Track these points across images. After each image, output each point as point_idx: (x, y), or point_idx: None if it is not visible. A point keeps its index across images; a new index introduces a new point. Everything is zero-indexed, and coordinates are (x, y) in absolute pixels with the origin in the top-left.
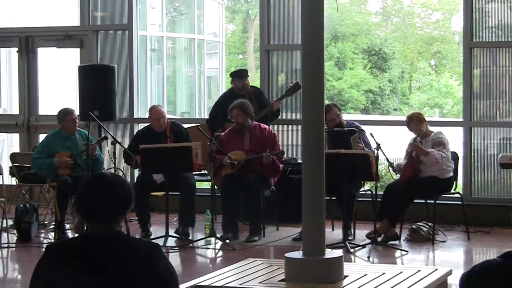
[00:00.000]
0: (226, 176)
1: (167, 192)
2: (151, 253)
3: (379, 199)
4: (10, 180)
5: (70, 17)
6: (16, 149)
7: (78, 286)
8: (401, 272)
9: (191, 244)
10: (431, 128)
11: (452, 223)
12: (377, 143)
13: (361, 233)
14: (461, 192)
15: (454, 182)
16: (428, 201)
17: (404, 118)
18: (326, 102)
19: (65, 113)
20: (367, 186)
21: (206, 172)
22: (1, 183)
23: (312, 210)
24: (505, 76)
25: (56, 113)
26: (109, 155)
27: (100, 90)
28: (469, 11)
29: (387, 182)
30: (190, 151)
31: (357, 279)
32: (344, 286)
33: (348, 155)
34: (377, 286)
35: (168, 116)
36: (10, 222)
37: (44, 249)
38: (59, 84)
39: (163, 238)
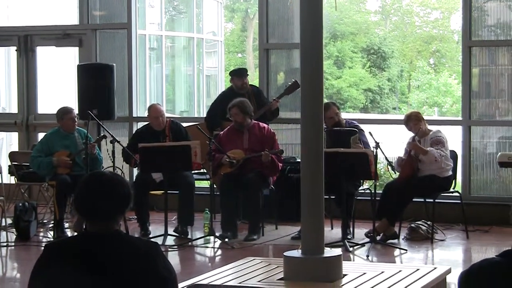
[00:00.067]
0: (225, 175)
1: (166, 191)
2: (150, 252)
3: (378, 198)
4: (9, 179)
5: (69, 16)
6: (15, 148)
7: (77, 284)
8: (400, 271)
9: (190, 243)
10: (429, 127)
11: (451, 222)
12: (376, 142)
13: (360, 232)
14: (460, 191)
15: (453, 181)
16: (427, 200)
17: (403, 117)
18: (325, 100)
19: (64, 112)
20: (366, 185)
21: (205, 171)
22: (0, 182)
23: (311, 209)
24: (504, 74)
25: (55, 112)
26: (108, 154)
27: (99, 89)
28: (468, 10)
29: (386, 181)
30: (189, 150)
31: (356, 278)
32: (343, 285)
33: (347, 154)
34: (376, 285)
35: (167, 115)
36: (9, 221)
37: (43, 248)
38: (58, 83)
39: (162, 237)
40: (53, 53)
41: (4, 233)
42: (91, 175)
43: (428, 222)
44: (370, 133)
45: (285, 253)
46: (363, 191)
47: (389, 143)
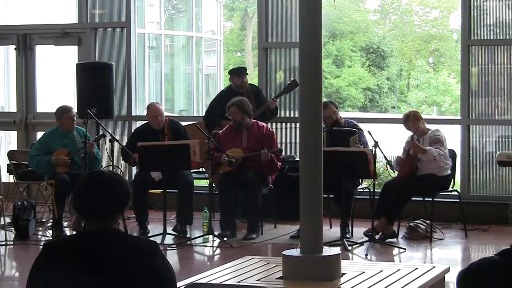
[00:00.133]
0: (224, 173)
1: (165, 190)
2: (148, 251)
3: (377, 197)
4: (7, 178)
5: (68, 15)
6: (14, 147)
7: (75, 283)
8: (399, 269)
9: (188, 242)
10: (428, 126)
11: (450, 221)
12: (375, 141)
13: (358, 231)
14: (458, 190)
15: (452, 180)
16: (426, 199)
17: (402, 116)
18: (324, 99)
19: (63, 111)
20: (365, 184)
21: (204, 169)
22: None
23: (310, 208)
24: (503, 74)
25: (54, 111)
26: (107, 153)
27: (98, 87)
28: (467, 9)
29: (384, 180)
30: (188, 149)
31: (354, 277)
32: (342, 284)
33: (346, 153)
34: (374, 284)
35: (166, 113)
36: (8, 220)
37: (41, 247)
38: (57, 82)
39: (161, 236)
40: (52, 52)
41: (3, 232)
42: (90, 174)
43: (427, 221)
44: (369, 132)
45: (284, 252)
46: (362, 190)
47: (388, 142)
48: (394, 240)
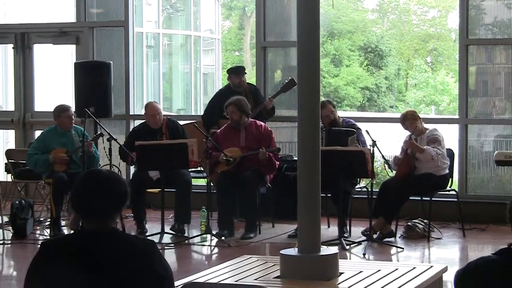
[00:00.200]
0: (222, 173)
1: (163, 189)
2: (146, 250)
3: (374, 196)
4: (5, 177)
5: (66, 14)
6: (12, 146)
7: (73, 282)
8: (397, 269)
9: (186, 241)
10: (426, 126)
11: (448, 220)
12: (372, 140)
13: (356, 230)
14: (456, 189)
15: (450, 179)
16: (423, 198)
17: (399, 116)
18: (322, 98)
19: (61, 110)
20: (363, 183)
21: (202, 169)
22: None
23: (308, 207)
24: (501, 73)
25: (51, 110)
26: (105, 152)
27: (96, 86)
28: (465, 9)
29: (382, 179)
30: (186, 148)
31: (352, 276)
32: (339, 283)
33: (344, 152)
34: (372, 283)
35: (164, 113)
36: (6, 219)
37: (39, 246)
38: (55, 81)
39: (158, 235)
40: (50, 51)
41: (0, 231)
42: (88, 173)
43: (425, 221)
44: (367, 131)
45: (281, 251)
46: (360, 189)
47: (386, 141)
48: (392, 239)
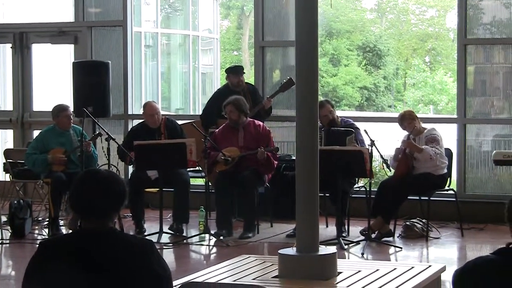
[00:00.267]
0: (220, 172)
1: (161, 189)
2: (144, 250)
3: (373, 196)
4: (4, 176)
5: (64, 13)
6: (10, 145)
7: (71, 282)
8: (395, 268)
9: (185, 241)
10: (424, 125)
11: (446, 220)
12: (371, 139)
13: (355, 230)
14: (455, 189)
15: (448, 179)
16: (422, 198)
17: (397, 115)
18: (320, 98)
19: (60, 109)
20: (361, 182)
21: (200, 168)
22: None
23: (306, 207)
24: (499, 73)
25: (50, 109)
26: (103, 152)
27: (94, 86)
28: (464, 8)
29: (381, 178)
30: (184, 148)
31: (350, 276)
32: (338, 283)
33: (342, 151)
34: (370, 283)
35: (162, 112)
36: (4, 219)
37: (37, 246)
38: (53, 80)
39: (157, 235)
40: (49, 50)
41: None
42: (86, 173)
43: (423, 220)
44: (365, 131)
45: (279, 251)
46: (358, 189)
47: (385, 141)
48: (390, 239)
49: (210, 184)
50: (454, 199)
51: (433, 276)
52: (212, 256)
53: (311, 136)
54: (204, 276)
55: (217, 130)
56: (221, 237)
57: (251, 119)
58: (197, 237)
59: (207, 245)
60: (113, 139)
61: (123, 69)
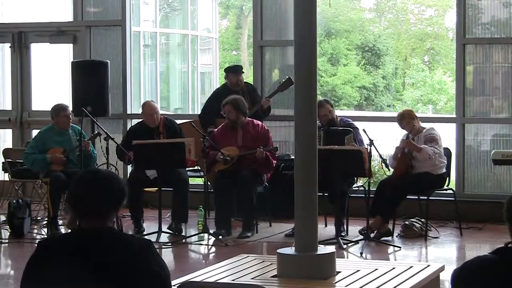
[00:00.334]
0: (219, 172)
1: (160, 188)
2: (143, 250)
3: (372, 195)
4: (2, 176)
5: (63, 13)
6: (9, 145)
7: (70, 281)
8: (394, 268)
9: (184, 240)
10: (423, 125)
11: (445, 219)
12: (370, 139)
13: (354, 229)
14: (454, 188)
15: (447, 178)
16: (421, 197)
17: (396, 115)
18: (319, 98)
19: (59, 109)
20: (360, 182)
21: (199, 168)
22: None
23: (305, 206)
24: (498, 72)
25: (49, 109)
26: (102, 151)
27: (93, 86)
28: (463, 8)
29: (380, 178)
30: (183, 147)
31: (349, 275)
32: (337, 282)
33: (341, 151)
34: (369, 282)
35: (161, 112)
36: (3, 218)
37: (36, 245)
38: (52, 80)
39: (156, 234)
40: (47, 50)
41: None
42: (85, 172)
43: (422, 220)
44: (364, 130)
45: (278, 250)
46: (357, 188)
47: (384, 140)
48: (389, 238)
49: (209, 183)
50: (453, 199)
51: (432, 275)
52: (211, 256)
53: (310, 136)
54: (203, 276)
55: (216, 129)
56: (220, 237)
57: (250, 119)
58: (196, 236)
59: (206, 244)
60: (112, 139)
61: (122, 69)
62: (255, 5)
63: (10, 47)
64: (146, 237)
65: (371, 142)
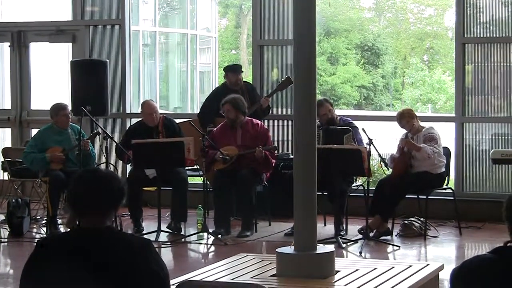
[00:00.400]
0: (218, 171)
1: (159, 187)
2: (142, 249)
3: (371, 195)
4: (2, 175)
5: (63, 12)
6: (8, 144)
7: (69, 281)
8: (393, 267)
9: (183, 239)
10: (422, 124)
11: (444, 219)
12: (369, 138)
13: (353, 229)
14: (453, 188)
15: (446, 178)
16: (420, 196)
17: (396, 114)
18: (319, 97)
19: (58, 108)
20: (359, 181)
21: (198, 167)
22: None
23: (304, 206)
24: (497, 71)
25: (48, 108)
26: (101, 150)
27: (93, 85)
28: (462, 7)
29: (379, 177)
30: (182, 146)
31: (348, 274)
32: (336, 281)
33: (340, 150)
34: (368, 281)
35: (160, 111)
36: (2, 217)
37: (35, 244)
38: (52, 79)
39: (155, 233)
40: (47, 49)
41: None
42: (84, 171)
43: (421, 219)
44: (363, 129)
45: (278, 250)
46: (356, 187)
47: (383, 139)
48: (389, 237)
49: (208, 182)
50: (452, 198)
51: (431, 274)
52: (210, 255)
53: (309, 135)
54: (202, 275)
55: (215, 128)
56: (219, 236)
57: (249, 118)
58: (195, 235)
59: (205, 243)
60: (111, 138)
61: (121, 68)
62: (254, 4)
63: (9, 46)
64: (145, 236)
65: (370, 142)
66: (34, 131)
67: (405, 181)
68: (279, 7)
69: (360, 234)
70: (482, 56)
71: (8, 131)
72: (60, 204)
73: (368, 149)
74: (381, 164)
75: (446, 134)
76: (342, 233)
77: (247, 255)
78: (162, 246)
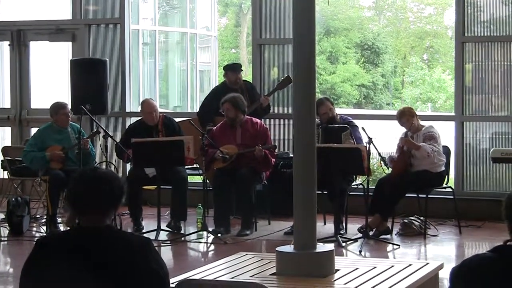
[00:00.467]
0: (218, 170)
1: (159, 186)
2: (142, 248)
3: (371, 193)
4: (2, 174)
5: (62, 11)
6: (8, 143)
7: (68, 279)
8: (392, 266)
9: (183, 238)
10: (422, 123)
11: (444, 217)
12: (369, 137)
13: (353, 227)
14: (453, 186)
15: (446, 176)
16: (420, 195)
17: (396, 113)
18: (319, 96)
19: (58, 107)
20: (359, 180)
21: (198, 166)
22: None
23: (304, 204)
24: (497, 70)
25: (48, 107)
26: (101, 149)
27: (92, 84)
28: (462, 6)
29: (379, 176)
30: (182, 145)
31: (348, 273)
32: (335, 280)
33: (340, 149)
34: (368, 280)
35: (160, 110)
36: (2, 216)
37: (35, 243)
38: (51, 78)
39: (155, 232)
40: (46, 48)
41: None
42: (84, 170)
43: (421, 218)
44: (363, 128)
45: (277, 248)
46: (356, 186)
47: (383, 138)
48: (388, 236)
49: (208, 181)
50: (452, 197)
51: (431, 273)
52: (210, 254)
53: (308, 134)
54: (202, 274)
55: (215, 127)
56: (219, 235)
57: (249, 117)
58: (195, 234)
59: (205, 242)
60: (111, 137)
61: (121, 67)
62: (254, 3)
63: (9, 45)
64: (145, 235)
65: (370, 140)
66: (34, 130)
67: (405, 180)
68: (279, 6)
69: (360, 233)
70: (482, 55)
71: (8, 130)
72: (60, 203)
73: (367, 148)
74: (380, 163)
75: (446, 133)
76: (342, 232)
77: (246, 254)
78: (162, 245)
